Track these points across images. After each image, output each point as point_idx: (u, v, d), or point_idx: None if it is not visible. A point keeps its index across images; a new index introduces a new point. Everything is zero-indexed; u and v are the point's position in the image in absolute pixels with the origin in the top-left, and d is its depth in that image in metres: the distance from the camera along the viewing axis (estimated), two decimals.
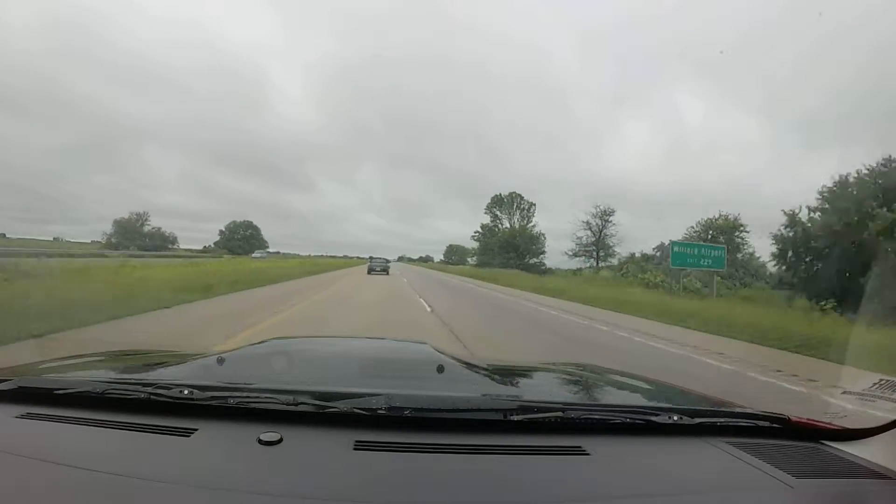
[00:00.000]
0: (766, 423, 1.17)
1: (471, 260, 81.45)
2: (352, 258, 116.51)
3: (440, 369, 1.54)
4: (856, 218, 17.72)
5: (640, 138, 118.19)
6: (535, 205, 64.55)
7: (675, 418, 1.11)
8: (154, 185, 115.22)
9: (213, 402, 1.03)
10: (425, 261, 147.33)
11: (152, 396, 1.04)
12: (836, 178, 20.67)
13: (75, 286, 9.45)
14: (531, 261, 56.66)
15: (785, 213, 21.50)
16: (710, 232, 37.24)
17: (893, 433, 1.07)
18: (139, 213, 66.75)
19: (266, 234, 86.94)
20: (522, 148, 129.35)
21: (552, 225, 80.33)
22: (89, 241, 64.25)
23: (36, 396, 1.10)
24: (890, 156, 19.77)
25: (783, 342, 8.57)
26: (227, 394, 1.05)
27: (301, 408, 1.01)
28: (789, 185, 64.14)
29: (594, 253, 50.68)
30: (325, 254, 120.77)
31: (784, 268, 21.41)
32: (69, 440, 0.95)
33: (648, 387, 1.70)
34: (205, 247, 79.06)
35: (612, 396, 1.60)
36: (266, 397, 1.04)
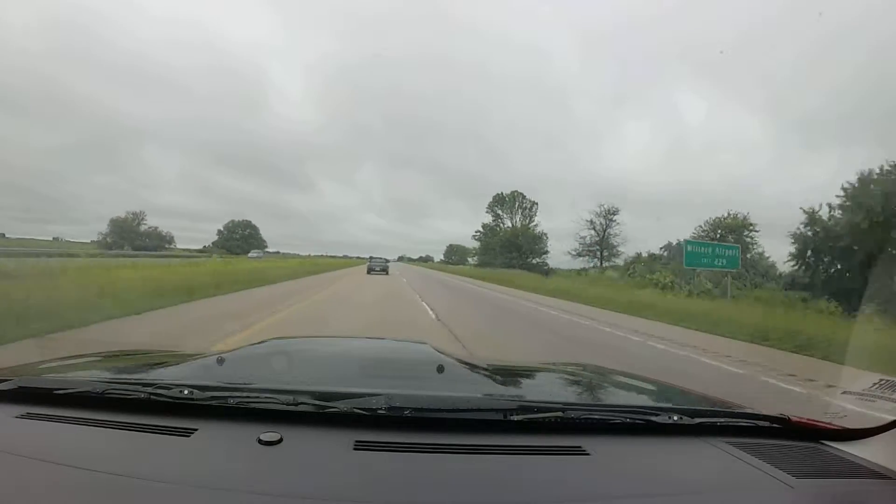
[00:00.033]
0: (766, 423, 1.17)
1: (471, 260, 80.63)
2: (351, 258, 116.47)
3: (440, 369, 1.53)
4: (882, 217, 16.79)
5: (640, 138, 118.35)
6: (537, 204, 63.70)
7: (676, 418, 1.11)
8: (154, 185, 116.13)
9: (213, 402, 1.03)
10: (425, 261, 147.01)
11: (152, 396, 1.04)
12: (859, 174, 19.77)
13: (41, 289, 8.41)
14: (534, 261, 55.72)
15: (804, 211, 20.74)
16: (719, 231, 36.47)
17: (893, 433, 1.07)
18: (135, 213, 66.15)
19: (266, 234, 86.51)
20: (522, 148, 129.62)
21: (552, 225, 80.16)
22: (89, 241, 63.79)
23: (36, 396, 1.10)
24: None
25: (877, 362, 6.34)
26: (227, 394, 1.05)
27: (301, 408, 1.00)
28: (789, 184, 64.13)
29: (598, 253, 49.73)
30: (324, 254, 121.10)
31: (802, 268, 20.56)
32: (69, 440, 0.95)
33: (648, 387, 1.69)
34: (204, 247, 78.41)
35: (612, 396, 1.60)
36: (266, 397, 1.03)
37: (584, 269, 47.00)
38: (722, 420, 1.16)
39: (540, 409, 1.07)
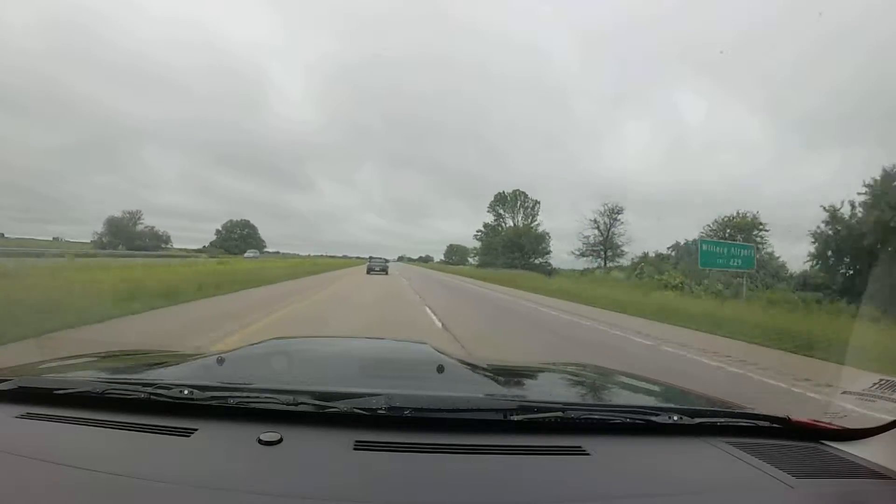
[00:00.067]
0: (766, 423, 1.17)
1: (471, 260, 79.86)
2: (351, 258, 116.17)
3: (440, 369, 1.52)
4: None
5: (640, 138, 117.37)
6: (539, 203, 62.87)
7: (676, 418, 1.11)
8: (154, 185, 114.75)
9: (213, 402, 1.02)
10: (425, 261, 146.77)
11: (152, 396, 1.04)
12: (883, 169, 18.83)
13: (12, 290, 7.54)
14: (536, 261, 54.72)
15: (825, 209, 19.85)
16: (728, 231, 35.63)
17: (893, 433, 1.07)
18: (132, 212, 64.99)
19: (266, 234, 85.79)
20: (522, 148, 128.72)
21: (553, 225, 79.58)
22: (89, 241, 62.85)
23: (36, 396, 1.10)
24: None
25: None
26: (227, 394, 1.04)
27: (301, 408, 1.00)
28: (789, 184, 63.61)
29: (602, 252, 48.77)
30: (324, 254, 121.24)
31: (823, 269, 19.68)
32: (69, 440, 0.95)
33: (648, 387, 1.69)
34: (203, 246, 77.65)
35: (612, 396, 1.60)
36: (266, 397, 1.03)
37: (587, 270, 46.06)
38: (722, 420, 1.15)
39: (540, 409, 1.06)
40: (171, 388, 1.05)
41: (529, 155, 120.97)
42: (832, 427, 1.15)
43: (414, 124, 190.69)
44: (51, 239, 66.09)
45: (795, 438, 1.14)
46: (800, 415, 1.20)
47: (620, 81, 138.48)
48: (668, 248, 38.20)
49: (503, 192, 64.46)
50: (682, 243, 37.34)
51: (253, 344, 1.85)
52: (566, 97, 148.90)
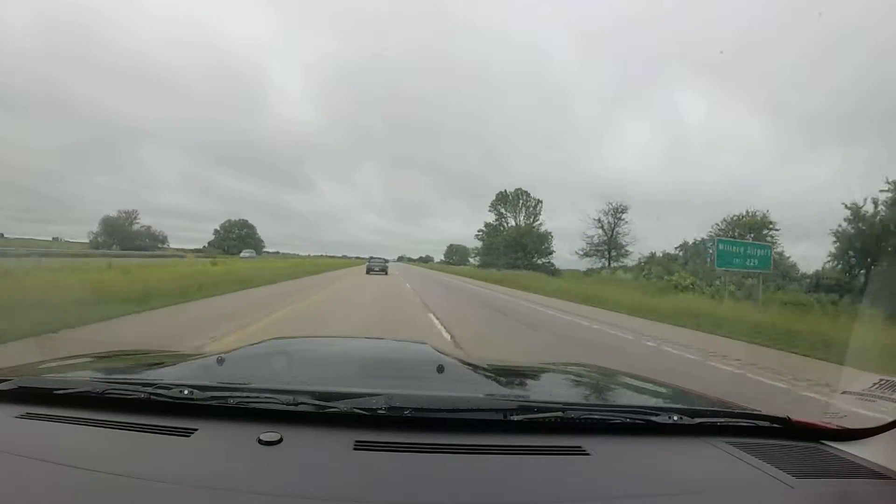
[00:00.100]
0: (767, 424, 1.16)
1: (472, 260, 78.90)
2: (351, 258, 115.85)
3: (440, 369, 1.52)
4: None
5: (641, 138, 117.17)
6: (541, 202, 61.57)
7: (676, 418, 1.10)
8: (154, 184, 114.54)
9: (213, 402, 1.02)
10: (425, 261, 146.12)
11: (152, 396, 1.03)
12: None
13: None
14: (539, 261, 53.72)
15: (847, 206, 18.96)
16: (737, 230, 34.76)
17: (893, 433, 1.07)
18: (128, 212, 64.03)
19: (266, 234, 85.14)
20: (522, 148, 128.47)
21: (554, 225, 79.04)
22: (87, 241, 62.24)
23: (36, 396, 1.09)
24: None
25: None
26: (227, 394, 1.04)
27: (301, 408, 1.00)
28: (790, 184, 63.09)
29: (606, 252, 47.84)
30: (324, 254, 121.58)
31: (843, 269, 18.83)
32: (69, 440, 0.94)
33: (649, 387, 1.68)
34: (203, 247, 76.87)
35: (612, 396, 1.58)
36: (266, 397, 1.03)
37: (591, 270, 45.11)
38: (722, 420, 1.15)
39: (540, 409, 1.06)
40: (171, 388, 1.04)
41: (529, 155, 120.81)
42: (832, 427, 1.15)
43: (414, 124, 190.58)
44: (50, 239, 65.96)
45: (795, 438, 1.14)
46: (799, 415, 1.19)
47: (620, 81, 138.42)
48: (676, 248, 37.29)
49: (505, 190, 63.03)
50: (690, 243, 36.45)
51: (253, 344, 1.83)
52: (566, 97, 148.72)
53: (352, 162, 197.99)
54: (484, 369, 1.62)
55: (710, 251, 36.43)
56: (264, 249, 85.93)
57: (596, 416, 1.10)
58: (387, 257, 40.12)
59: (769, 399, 5.44)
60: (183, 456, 0.88)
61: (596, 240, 47.79)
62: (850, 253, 18.62)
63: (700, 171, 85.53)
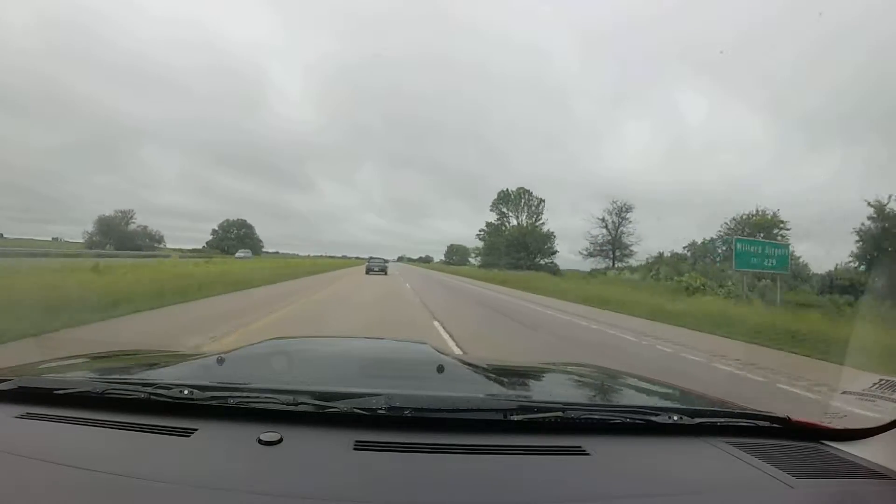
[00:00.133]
0: (766, 423, 1.16)
1: (473, 260, 78.03)
2: (351, 258, 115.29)
3: (440, 369, 1.51)
4: None
5: (641, 138, 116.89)
6: (544, 201, 60.54)
7: (676, 418, 1.10)
8: (154, 184, 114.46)
9: (213, 402, 1.02)
10: (425, 261, 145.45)
11: (152, 396, 1.03)
12: None
13: None
14: (542, 261, 52.77)
15: (870, 203, 18.09)
16: (746, 230, 33.92)
17: (893, 433, 1.06)
18: (124, 211, 63.19)
19: (266, 234, 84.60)
20: (522, 148, 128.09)
21: (553, 225, 78.02)
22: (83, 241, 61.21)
23: (36, 396, 1.09)
24: None
25: None
26: (227, 394, 1.04)
27: (301, 408, 1.00)
28: (790, 184, 62.82)
29: (610, 252, 46.93)
30: (324, 254, 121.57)
31: (867, 269, 17.95)
32: (69, 440, 0.94)
33: (648, 387, 1.67)
34: (203, 246, 76.21)
35: (612, 396, 1.58)
36: (266, 397, 1.03)
37: (596, 270, 44.19)
38: (722, 420, 1.15)
39: (540, 409, 1.06)
40: (171, 388, 1.04)
41: (529, 155, 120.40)
42: (832, 427, 1.15)
43: (414, 124, 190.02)
44: (50, 239, 65.81)
45: (795, 438, 1.13)
46: (800, 415, 1.19)
47: (620, 81, 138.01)
48: (684, 248, 36.41)
49: (507, 189, 62.27)
50: (698, 242, 35.55)
51: (253, 344, 1.82)
52: (566, 97, 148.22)
53: (352, 162, 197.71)
54: (484, 369, 1.62)
55: (720, 251, 35.42)
56: (263, 249, 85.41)
57: (596, 416, 1.09)
58: (386, 258, 40.06)
59: None
60: (183, 456, 0.88)
61: (600, 239, 46.92)
62: (875, 253, 17.74)
63: (700, 171, 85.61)
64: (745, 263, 18.92)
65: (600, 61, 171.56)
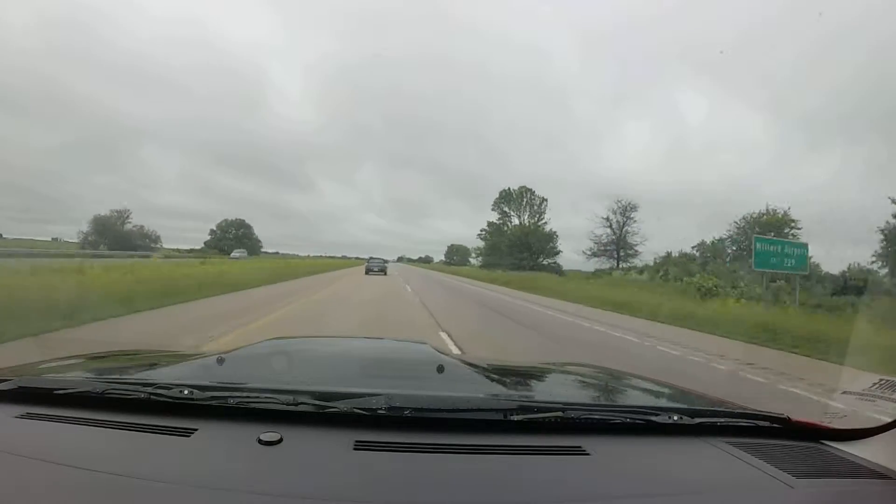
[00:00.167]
0: (766, 423, 1.16)
1: (473, 260, 77.13)
2: (350, 258, 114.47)
3: (440, 369, 1.51)
4: None
5: (641, 138, 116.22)
6: (546, 200, 59.38)
7: (675, 418, 1.10)
8: (154, 184, 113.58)
9: (213, 402, 1.02)
10: (426, 261, 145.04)
11: (152, 396, 1.03)
12: None
13: None
14: (545, 261, 51.81)
15: (894, 200, 17.22)
16: (757, 229, 33.03)
17: (893, 433, 1.06)
18: (120, 211, 61.65)
19: (266, 234, 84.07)
20: (522, 148, 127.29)
21: (554, 225, 76.78)
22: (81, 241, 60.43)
23: (36, 396, 1.09)
24: None
25: None
26: (227, 394, 1.04)
27: (301, 408, 0.99)
28: (790, 184, 62.45)
29: (615, 253, 46.00)
30: (324, 254, 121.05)
31: (891, 269, 17.12)
32: (69, 440, 0.94)
33: (648, 387, 1.67)
34: (201, 246, 74.76)
35: (612, 396, 1.58)
36: (266, 397, 1.02)
37: (600, 271, 43.24)
38: (722, 420, 1.14)
39: (540, 409, 1.06)
40: (171, 388, 1.04)
41: (529, 155, 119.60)
42: (832, 427, 1.15)
43: (414, 124, 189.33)
44: (50, 239, 64.52)
45: (795, 438, 1.13)
46: (800, 415, 1.19)
47: (620, 81, 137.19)
48: (692, 248, 35.48)
49: (509, 188, 61.02)
50: (707, 242, 34.63)
51: (253, 344, 1.82)
52: (566, 97, 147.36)
53: (352, 162, 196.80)
54: (484, 369, 1.62)
55: (730, 251, 34.38)
56: (262, 250, 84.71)
57: (596, 416, 1.09)
58: (386, 258, 40.41)
59: None
60: (183, 456, 0.88)
61: (605, 239, 45.97)
62: None
63: (700, 171, 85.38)
64: (764, 263, 18.00)
65: (600, 61, 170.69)
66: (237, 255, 56.78)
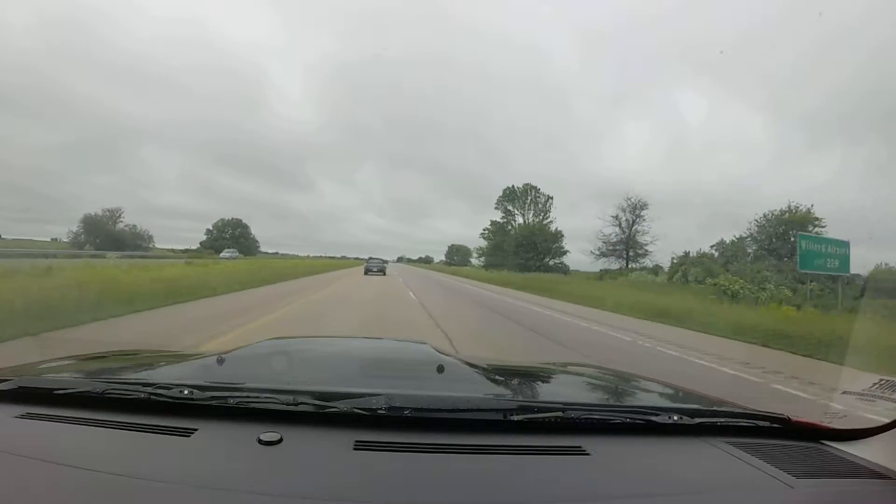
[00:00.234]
0: (766, 423, 1.16)
1: (474, 261, 75.38)
2: (350, 259, 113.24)
3: (440, 369, 1.51)
4: None
5: (641, 138, 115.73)
6: (552, 198, 57.56)
7: (675, 418, 1.10)
8: (154, 184, 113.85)
9: (213, 402, 1.02)
10: (426, 262, 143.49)
11: (152, 396, 1.03)
12: None
13: None
14: (551, 262, 50.05)
15: None
16: (781, 227, 31.19)
17: (893, 433, 1.06)
18: (111, 210, 59.94)
19: (265, 234, 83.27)
20: (522, 148, 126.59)
21: (556, 225, 75.07)
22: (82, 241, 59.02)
23: (36, 396, 1.09)
24: None
25: None
26: (227, 394, 1.04)
27: (301, 408, 0.99)
28: (790, 185, 61.33)
29: (623, 252, 44.23)
30: (323, 254, 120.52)
31: None
32: (69, 440, 0.94)
33: (648, 387, 1.67)
34: (199, 246, 72.85)
35: (612, 396, 1.58)
36: (266, 397, 1.02)
37: (608, 271, 41.48)
38: (722, 420, 1.14)
39: (540, 409, 1.06)
40: (171, 388, 1.04)
41: (529, 155, 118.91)
42: (832, 427, 1.15)
43: (414, 124, 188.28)
44: (49, 240, 63.93)
45: (795, 438, 1.13)
46: (800, 415, 1.18)
47: (620, 81, 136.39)
48: (711, 247, 33.70)
49: (513, 186, 59.14)
50: (727, 241, 32.88)
51: (252, 344, 1.82)
52: (566, 97, 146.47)
53: (352, 162, 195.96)
54: (484, 369, 1.62)
55: (750, 251, 32.46)
56: (261, 250, 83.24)
57: (596, 416, 1.09)
58: (386, 258, 40.18)
59: None
60: (183, 456, 0.88)
61: (613, 238, 44.20)
62: None
63: (700, 171, 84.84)
64: (809, 264, 16.30)
65: (600, 61, 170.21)
66: (227, 255, 53.55)
